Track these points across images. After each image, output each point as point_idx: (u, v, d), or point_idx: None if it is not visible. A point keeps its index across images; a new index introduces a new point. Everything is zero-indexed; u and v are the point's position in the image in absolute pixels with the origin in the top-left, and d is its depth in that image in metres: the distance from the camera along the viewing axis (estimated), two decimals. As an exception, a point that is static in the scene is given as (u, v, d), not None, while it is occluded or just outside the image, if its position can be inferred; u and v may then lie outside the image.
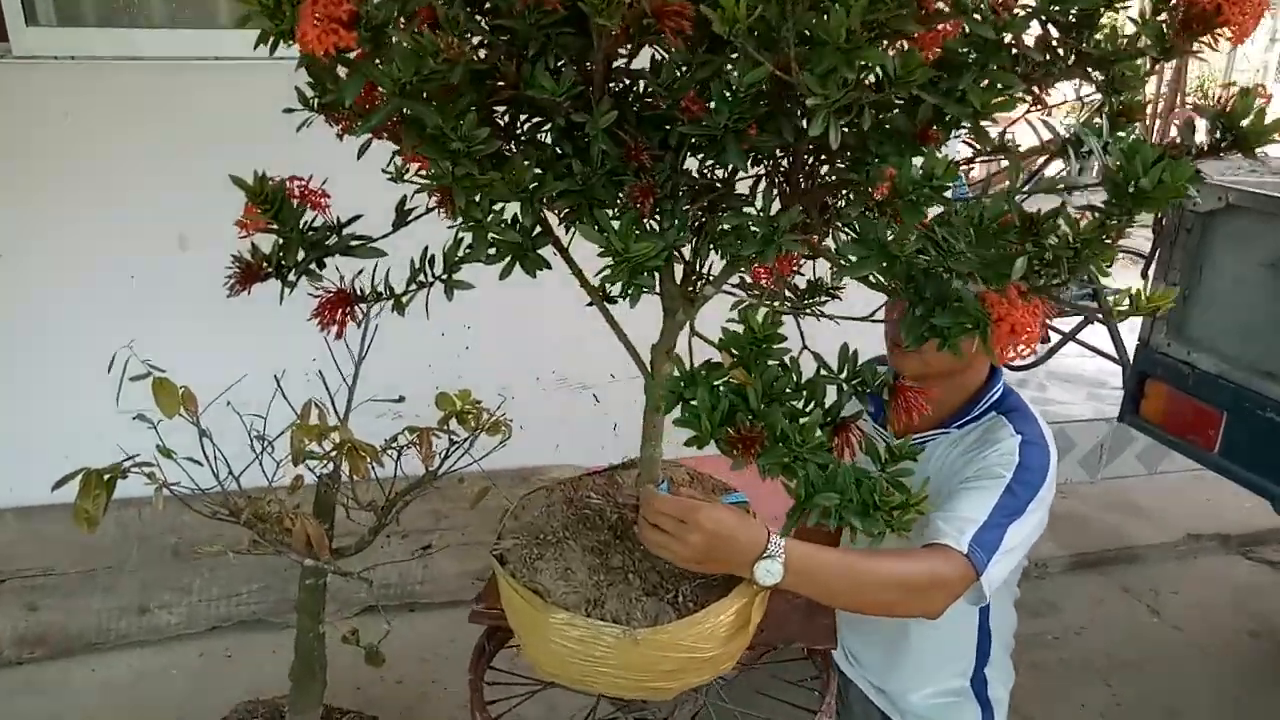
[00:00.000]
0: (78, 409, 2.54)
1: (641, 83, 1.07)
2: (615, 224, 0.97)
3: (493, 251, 1.04)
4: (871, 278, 1.03)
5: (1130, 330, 3.14)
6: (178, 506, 1.46)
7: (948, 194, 0.96)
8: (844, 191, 1.13)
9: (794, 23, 0.81)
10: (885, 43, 0.87)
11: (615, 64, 1.04)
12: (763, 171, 1.16)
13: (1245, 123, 0.88)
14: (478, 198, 0.94)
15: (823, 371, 1.19)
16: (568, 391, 3.44)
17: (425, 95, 0.88)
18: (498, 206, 1.00)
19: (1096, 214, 0.94)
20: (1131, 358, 3.15)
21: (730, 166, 1.11)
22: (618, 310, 1.20)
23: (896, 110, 0.98)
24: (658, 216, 1.06)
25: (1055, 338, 4.58)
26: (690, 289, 1.20)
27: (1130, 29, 0.98)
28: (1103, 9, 0.94)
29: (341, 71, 0.94)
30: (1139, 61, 1.01)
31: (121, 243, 2.85)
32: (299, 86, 1.03)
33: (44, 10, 2.74)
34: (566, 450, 3.42)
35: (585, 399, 3.46)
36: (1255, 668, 3.10)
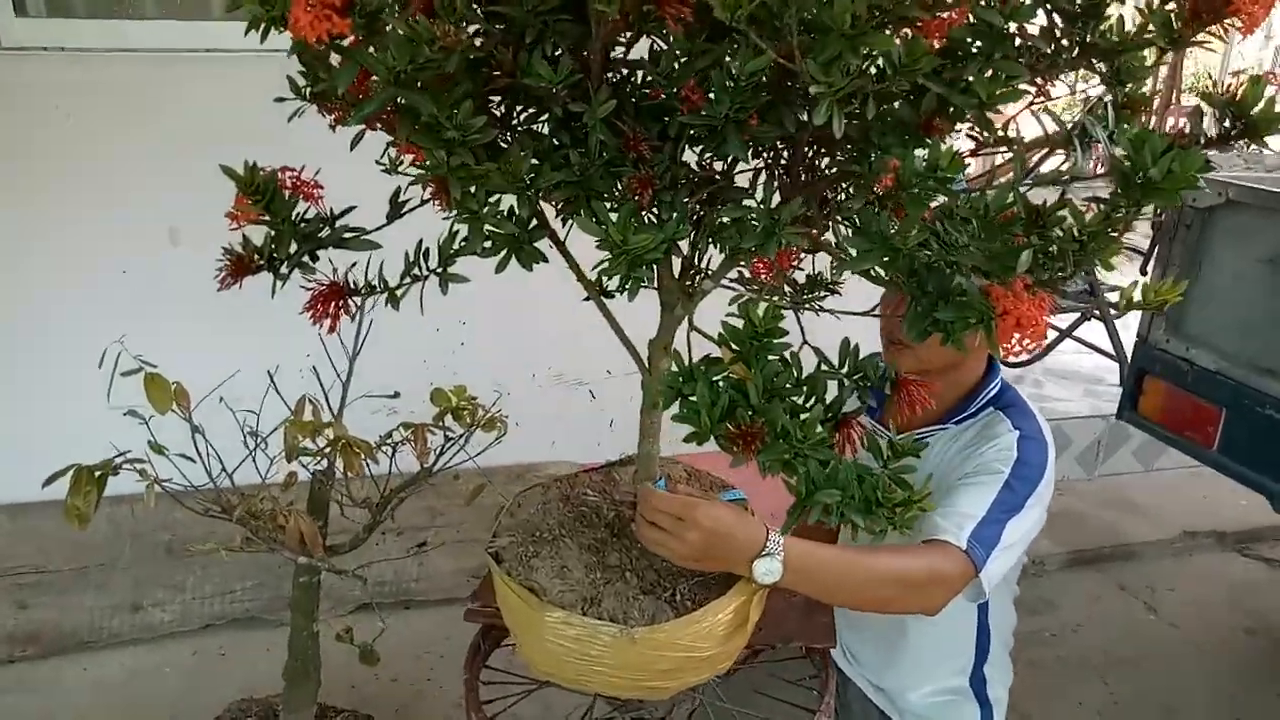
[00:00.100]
0: (70, 405, 2.52)
1: (640, 72, 1.05)
2: (613, 216, 0.95)
3: (488, 244, 1.03)
4: (873, 271, 1.02)
5: (1126, 327, 3.13)
6: (171, 503, 1.45)
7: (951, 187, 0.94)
8: (845, 184, 1.12)
9: (797, 9, 0.79)
10: (890, 30, 0.85)
11: (613, 53, 1.02)
12: (763, 164, 1.14)
13: (1255, 111, 0.87)
14: (473, 189, 0.92)
15: (823, 367, 1.18)
16: (564, 388, 3.43)
17: (420, 84, 0.87)
18: (493, 198, 0.98)
19: (1101, 206, 0.93)
20: (1129, 354, 3.14)
21: (730, 159, 1.10)
22: (615, 305, 1.18)
23: (900, 101, 0.96)
24: (656, 209, 1.05)
25: (1052, 334, 4.58)
26: (688, 283, 1.19)
27: (1132, 21, 0.97)
28: (1109, -1, 0.93)
29: (335, 60, 0.92)
30: (1144, 53, 1.00)
31: (114, 238, 2.83)
32: (291, 75, 1.01)
33: (33, 1, 2.71)
34: (563, 447, 3.41)
35: (582, 395, 3.45)
36: (1251, 665, 3.10)
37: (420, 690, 2.77)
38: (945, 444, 1.65)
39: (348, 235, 1.05)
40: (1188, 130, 0.91)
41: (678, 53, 0.98)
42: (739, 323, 1.03)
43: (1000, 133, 1.05)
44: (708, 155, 1.07)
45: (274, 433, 1.52)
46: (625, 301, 1.04)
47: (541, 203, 1.05)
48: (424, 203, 1.06)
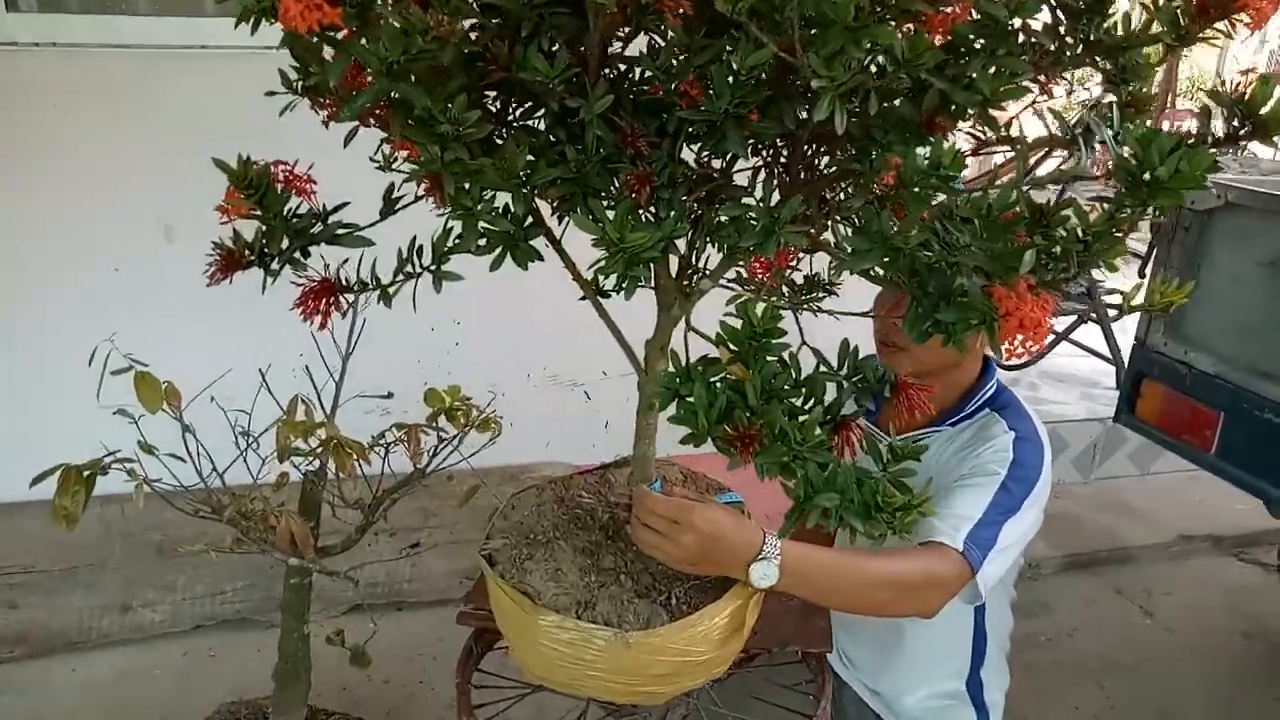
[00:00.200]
0: (61, 404, 2.50)
1: (638, 67, 1.04)
2: (610, 214, 0.94)
3: (483, 242, 1.01)
4: (874, 271, 1.01)
5: (1123, 330, 3.12)
6: (162, 503, 1.43)
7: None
8: (845, 183, 1.10)
9: (799, 1, 0.77)
10: (893, 24, 0.84)
11: (611, 48, 1.00)
12: (761, 162, 1.13)
13: (1265, 110, 0.85)
14: (467, 185, 0.91)
15: (822, 368, 1.16)
16: (559, 388, 3.42)
17: (413, 77, 0.85)
18: (488, 195, 0.97)
19: (1105, 206, 0.92)
20: (1127, 357, 3.13)
21: (729, 156, 1.08)
22: (611, 304, 1.17)
23: (902, 98, 0.95)
24: (654, 206, 1.03)
25: (1049, 337, 4.57)
26: (686, 283, 1.17)
27: (1133, 19, 0.96)
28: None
29: (328, 52, 0.91)
30: (1148, 50, 0.99)
31: (106, 235, 2.82)
32: (282, 69, 0.99)
33: (26, -5, 2.70)
34: (557, 448, 3.40)
35: (577, 396, 3.44)
36: (1248, 670, 3.09)
37: (412, 692, 2.75)
38: (941, 446, 1.64)
39: (340, 231, 1.03)
40: (1196, 129, 0.90)
41: (676, 48, 0.96)
42: (737, 323, 1.01)
43: (1003, 132, 1.03)
44: (706, 153, 1.06)
45: (266, 432, 1.51)
46: (622, 301, 1.02)
47: (537, 200, 1.03)
48: (418, 199, 1.04)
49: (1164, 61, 1.00)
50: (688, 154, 1.06)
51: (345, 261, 1.11)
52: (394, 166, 1.03)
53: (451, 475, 1.63)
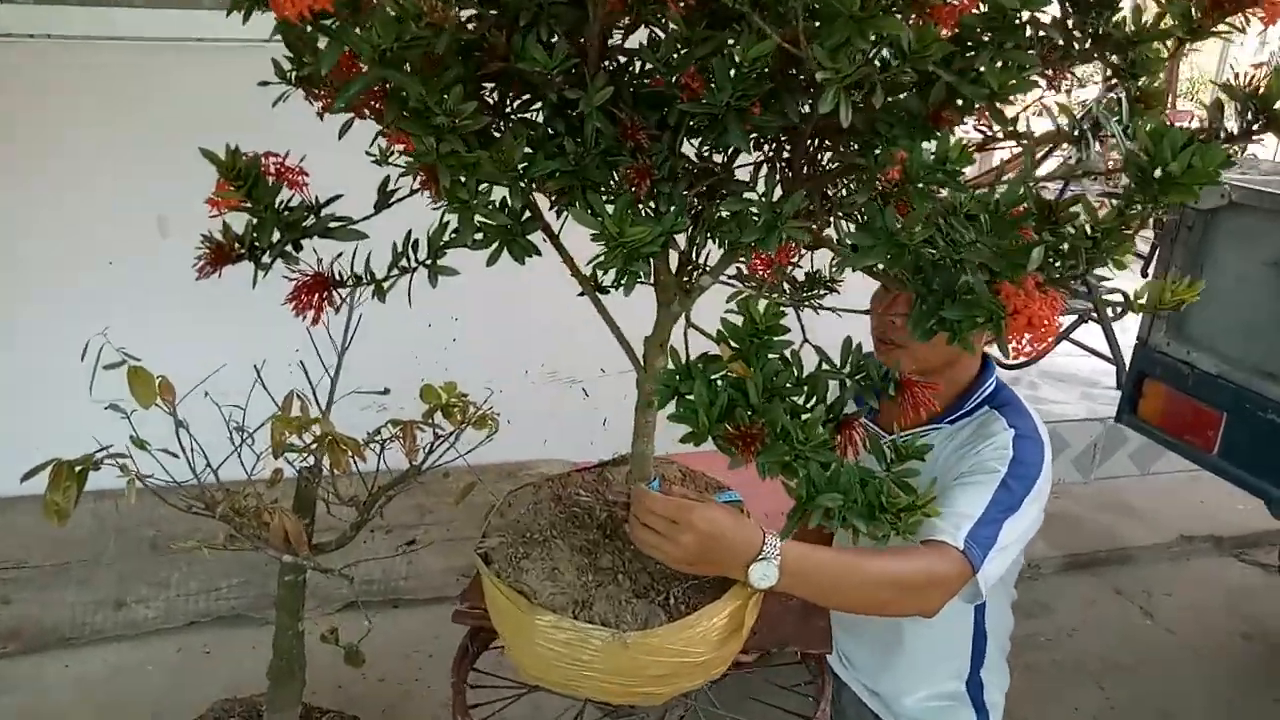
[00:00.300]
0: (54, 399, 2.48)
1: (638, 60, 1.02)
2: (609, 208, 0.92)
3: (479, 236, 0.99)
4: (877, 268, 0.99)
5: (1123, 330, 3.10)
6: (156, 499, 1.42)
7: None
8: (848, 178, 1.08)
9: (804, -9, 0.75)
10: (899, 16, 0.82)
11: (611, 40, 0.99)
12: (763, 157, 1.11)
13: (1279, 104, 0.84)
14: (464, 177, 0.89)
15: (825, 366, 1.14)
16: (557, 385, 3.40)
17: (408, 66, 0.83)
18: (485, 188, 0.95)
19: (1114, 203, 0.90)
20: (1128, 357, 3.12)
21: (730, 150, 1.06)
22: (610, 301, 1.15)
23: (908, 91, 0.93)
24: (654, 201, 1.01)
25: (1049, 336, 4.55)
26: (686, 279, 1.16)
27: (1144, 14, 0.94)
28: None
29: (323, 42, 0.89)
30: (1158, 45, 0.97)
31: (101, 228, 2.80)
32: (275, 59, 0.97)
33: (22, -13, 2.68)
34: (555, 445, 3.39)
35: (575, 393, 3.42)
36: (1248, 671, 3.08)
37: (408, 690, 2.73)
38: (941, 443, 1.63)
39: (333, 225, 1.01)
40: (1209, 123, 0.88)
41: (678, 41, 0.95)
42: (738, 319, 0.99)
43: (1010, 127, 1.01)
44: (707, 147, 1.04)
45: (260, 428, 1.49)
46: (621, 297, 1.01)
47: (535, 193, 1.02)
48: (413, 193, 1.02)
49: (1175, 56, 0.98)
50: (688, 148, 1.05)
51: (339, 256, 1.10)
52: (390, 161, 1.02)
53: (448, 472, 1.61)
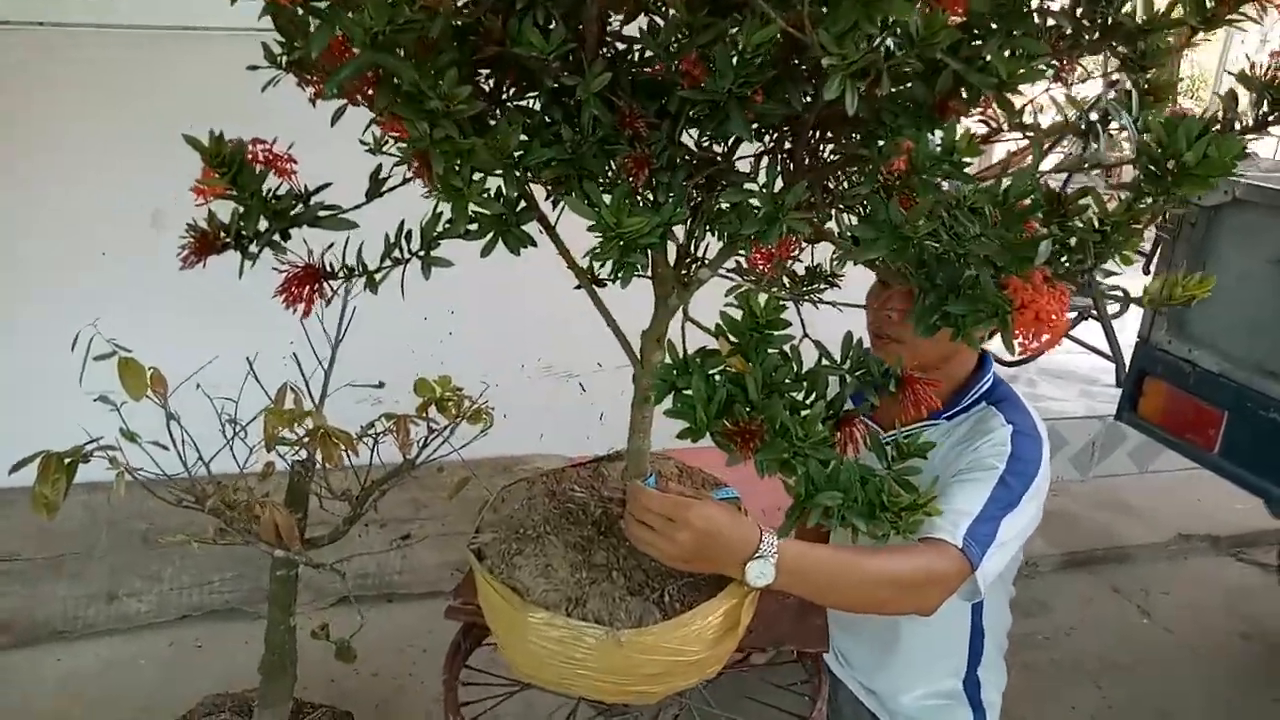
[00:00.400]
0: (44, 390, 2.46)
1: (637, 46, 1.00)
2: (606, 198, 0.89)
3: (473, 226, 0.97)
4: (879, 262, 0.97)
5: (1123, 328, 3.09)
6: (148, 492, 1.39)
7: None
8: (852, 170, 1.06)
9: (809, -26, 0.73)
10: (908, 1, 0.80)
11: (610, 25, 0.96)
12: (764, 147, 1.09)
13: (1296, 96, 0.82)
14: (457, 165, 0.86)
15: (825, 361, 1.12)
16: (553, 379, 3.38)
17: (401, 50, 0.81)
18: (479, 177, 0.92)
19: (1123, 196, 0.88)
20: (1129, 355, 3.10)
21: (731, 140, 1.04)
22: (607, 294, 1.13)
23: (915, 79, 0.91)
24: (652, 191, 0.99)
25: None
26: (684, 272, 1.13)
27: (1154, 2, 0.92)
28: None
29: (314, 25, 0.86)
30: (1168, 35, 0.95)
31: (94, 218, 2.78)
32: (266, 43, 0.95)
33: (17, -26, 2.65)
34: (551, 440, 3.37)
35: (571, 387, 3.40)
36: (1246, 670, 3.07)
37: (401, 685, 2.72)
38: (938, 439, 1.60)
39: (323, 213, 0.99)
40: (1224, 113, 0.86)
41: (678, 28, 0.92)
42: (738, 313, 0.97)
43: (1017, 119, 0.99)
44: (708, 136, 1.02)
45: (253, 421, 1.47)
46: (618, 290, 0.99)
47: (530, 182, 0.99)
48: (405, 181, 1.00)
49: (1186, 46, 0.96)
50: (688, 138, 1.03)
51: (330, 247, 1.07)
52: (385, 150, 0.99)
53: (442, 467, 1.60)
